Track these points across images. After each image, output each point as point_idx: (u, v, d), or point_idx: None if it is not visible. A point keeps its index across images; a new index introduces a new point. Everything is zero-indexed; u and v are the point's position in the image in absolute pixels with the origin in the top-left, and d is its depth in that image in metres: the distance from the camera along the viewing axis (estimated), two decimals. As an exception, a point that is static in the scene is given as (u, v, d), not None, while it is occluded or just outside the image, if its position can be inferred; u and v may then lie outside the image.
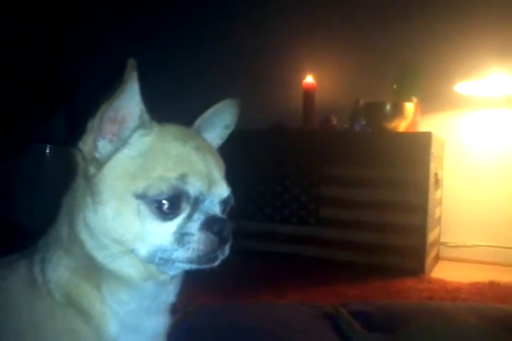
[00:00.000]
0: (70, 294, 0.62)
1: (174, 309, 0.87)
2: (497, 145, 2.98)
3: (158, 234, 0.59)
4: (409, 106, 2.71)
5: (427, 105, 2.94)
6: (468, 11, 2.89)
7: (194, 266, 0.61)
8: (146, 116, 0.63)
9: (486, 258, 2.91)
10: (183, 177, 0.59)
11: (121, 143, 0.62)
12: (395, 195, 2.57)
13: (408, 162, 2.54)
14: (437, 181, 2.73)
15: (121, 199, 0.60)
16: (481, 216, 3.00)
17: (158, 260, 0.60)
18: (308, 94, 3.13)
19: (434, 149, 2.60)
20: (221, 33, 3.56)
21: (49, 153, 3.42)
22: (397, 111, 2.69)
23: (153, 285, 0.64)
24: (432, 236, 2.69)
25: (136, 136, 0.62)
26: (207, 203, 0.61)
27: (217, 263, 0.62)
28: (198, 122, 0.71)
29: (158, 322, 0.66)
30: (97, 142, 0.61)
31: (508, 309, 1.61)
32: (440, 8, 3.01)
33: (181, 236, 0.59)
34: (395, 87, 2.93)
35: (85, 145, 0.62)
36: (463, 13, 2.90)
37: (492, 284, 2.34)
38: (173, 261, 0.60)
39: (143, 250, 0.60)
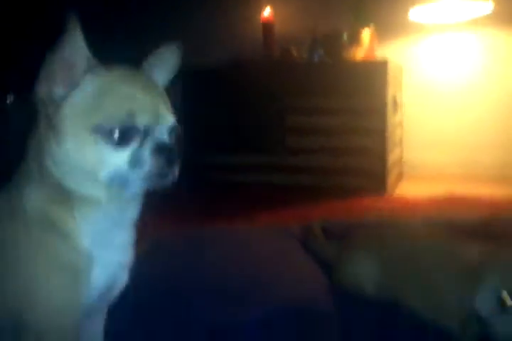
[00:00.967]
0: (47, 218, 0.76)
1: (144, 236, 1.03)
2: (452, 68, 3.13)
3: (114, 161, 0.72)
4: (365, 34, 2.79)
5: (384, 32, 3.03)
6: None
7: (148, 186, 0.75)
8: (94, 61, 0.74)
9: (446, 173, 3.12)
10: (131, 114, 0.71)
11: (74, 86, 0.73)
12: (356, 120, 2.73)
13: (366, 89, 2.69)
14: (396, 105, 2.88)
15: (80, 135, 0.71)
16: (440, 135, 3.22)
17: (117, 183, 0.74)
18: (267, 27, 3.17)
19: (391, 75, 2.73)
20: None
21: (11, 102, 3.43)
22: (354, 39, 2.78)
23: (117, 205, 0.78)
24: (392, 158, 2.89)
25: (86, 79, 0.73)
26: (156, 133, 0.74)
27: (167, 182, 0.75)
28: (144, 65, 0.82)
29: (125, 236, 0.82)
30: (51, 88, 0.72)
31: (459, 219, 1.79)
32: None
33: (135, 162, 0.72)
34: (351, 15, 2.97)
35: (42, 91, 0.73)
36: None
37: (449, 197, 2.52)
38: (130, 183, 0.74)
39: (103, 175, 0.73)
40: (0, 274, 0.76)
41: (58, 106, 0.72)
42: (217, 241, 1.54)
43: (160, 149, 0.73)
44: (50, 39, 0.71)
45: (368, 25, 2.89)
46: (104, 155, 0.71)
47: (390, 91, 2.74)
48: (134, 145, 0.72)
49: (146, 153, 0.72)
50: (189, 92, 3.06)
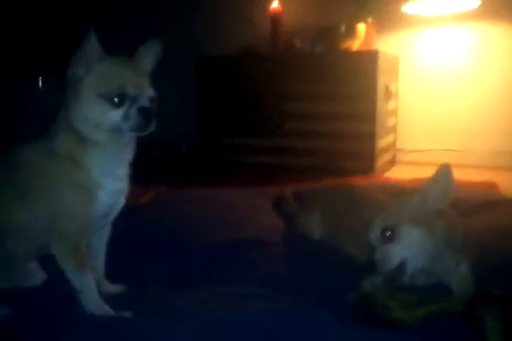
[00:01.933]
0: (70, 154, 1.17)
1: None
2: (447, 59, 3.45)
3: (113, 117, 1.13)
4: (361, 27, 3.16)
5: (383, 25, 3.39)
6: None
7: (134, 134, 1.18)
8: (102, 53, 1.16)
9: (439, 161, 3.44)
10: (123, 85, 1.14)
11: (89, 68, 1.14)
12: (348, 106, 3.12)
13: (358, 77, 3.07)
14: (389, 93, 3.24)
15: (92, 100, 1.13)
16: (435, 123, 3.55)
17: (115, 131, 1.15)
18: (274, 19, 3.56)
19: (383, 65, 3.09)
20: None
21: (42, 85, 3.89)
22: (350, 31, 3.15)
23: (116, 147, 1.19)
24: (383, 142, 3.26)
25: (96, 64, 1.14)
26: (140, 100, 1.17)
27: (147, 132, 1.18)
28: (136, 54, 1.24)
29: (123, 170, 1.26)
30: (76, 70, 1.17)
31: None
32: None
33: (126, 117, 1.16)
34: (352, 8, 3.34)
35: (70, 72, 1.17)
36: None
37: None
38: (123, 131, 1.15)
39: (106, 125, 1.14)
40: (40, 193, 1.21)
41: (79, 81, 1.15)
42: (205, 197, 2.00)
43: (142, 110, 1.15)
44: (72, 35, 1.15)
45: (366, 19, 3.26)
46: (106, 113, 1.14)
47: (382, 80, 3.10)
48: (125, 107, 1.15)
49: (133, 112, 1.15)
50: (202, 78, 3.52)
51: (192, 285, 1.34)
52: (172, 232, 1.66)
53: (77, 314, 1.18)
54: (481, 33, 3.34)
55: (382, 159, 3.29)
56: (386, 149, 3.36)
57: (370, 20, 3.28)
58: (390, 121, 3.42)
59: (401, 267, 1.20)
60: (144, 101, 1.17)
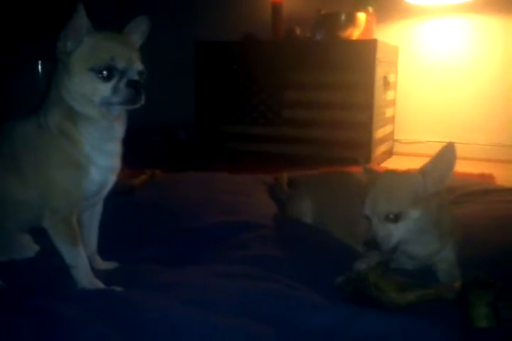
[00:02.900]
0: (61, 129, 1.18)
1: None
2: (447, 51, 3.45)
3: (103, 89, 1.14)
4: (361, 16, 3.15)
5: (383, 15, 3.38)
6: None
7: (125, 107, 1.18)
8: (92, 28, 1.17)
9: (435, 152, 3.45)
10: (113, 58, 1.14)
11: (79, 42, 1.14)
12: (346, 95, 3.12)
13: (356, 67, 3.07)
14: (387, 83, 3.23)
15: (82, 73, 1.13)
16: (433, 115, 3.56)
17: (105, 105, 1.15)
18: (276, 6, 3.55)
19: (382, 55, 3.09)
20: None
21: (41, 69, 3.88)
22: (350, 20, 3.14)
23: (107, 122, 1.19)
24: (380, 132, 3.26)
25: (86, 38, 1.14)
26: (129, 73, 1.17)
27: (137, 105, 1.18)
28: (125, 30, 1.24)
29: (114, 147, 1.26)
30: (66, 43, 1.17)
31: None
32: None
33: (115, 90, 1.16)
34: (352, -3, 3.33)
35: (61, 45, 1.17)
36: None
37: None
38: (113, 104, 1.16)
39: (96, 99, 1.14)
40: (32, 168, 1.21)
41: (69, 55, 1.15)
42: (200, 181, 2.00)
43: (131, 83, 1.16)
44: (66, 17, 1.15)
45: (366, 8, 3.25)
46: (96, 86, 1.15)
47: (381, 70, 3.10)
48: (114, 80, 1.15)
49: (123, 86, 1.15)
50: (202, 63, 3.50)
51: (182, 263, 1.35)
52: (164, 213, 1.67)
53: (69, 287, 1.18)
54: (481, 24, 3.34)
55: (380, 149, 3.29)
56: (383, 140, 3.37)
57: (370, 9, 3.27)
58: (388, 112, 3.42)
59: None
60: (133, 75, 1.17)
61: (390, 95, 3.39)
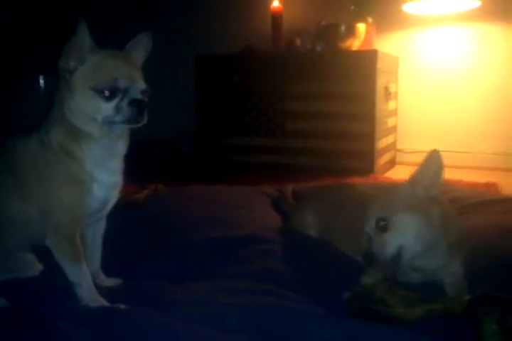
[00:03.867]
0: (63, 147, 1.17)
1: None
2: (448, 60, 3.46)
3: (105, 108, 1.13)
4: (361, 27, 3.16)
5: (383, 25, 3.39)
6: None
7: (127, 126, 1.18)
8: (94, 46, 1.16)
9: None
10: (115, 79, 1.14)
11: (81, 61, 1.14)
12: (348, 106, 3.12)
13: (358, 77, 3.07)
14: (389, 94, 3.24)
15: (84, 92, 1.13)
16: (435, 124, 3.56)
17: (107, 124, 1.15)
18: (275, 18, 3.57)
19: (383, 65, 3.09)
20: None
21: (44, 83, 3.90)
22: (350, 31, 3.15)
23: (109, 140, 1.19)
24: (383, 142, 3.25)
25: (88, 56, 1.14)
26: (132, 92, 1.16)
27: (140, 124, 1.17)
28: (126, 47, 1.24)
29: (116, 163, 1.26)
30: (68, 61, 1.16)
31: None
32: None
33: (118, 109, 1.15)
34: (352, 8, 3.34)
35: (63, 63, 1.17)
36: None
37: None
38: (115, 123, 1.15)
39: (98, 118, 1.14)
40: (34, 186, 1.20)
41: (72, 73, 1.15)
42: (203, 195, 2.00)
43: (134, 102, 1.15)
44: (69, 33, 1.15)
45: (366, 19, 3.26)
46: (98, 105, 1.14)
47: (382, 80, 3.10)
48: (117, 99, 1.14)
49: (125, 105, 1.15)
50: (202, 76, 3.52)
51: (186, 279, 1.34)
52: (168, 228, 1.66)
53: (73, 305, 1.17)
54: (481, 34, 3.35)
55: (382, 159, 3.29)
56: (386, 150, 3.36)
57: (370, 19, 3.28)
58: (390, 122, 3.42)
59: (398, 254, 1.21)
60: (136, 94, 1.17)
61: (391, 105, 3.39)
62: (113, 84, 1.13)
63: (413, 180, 1.24)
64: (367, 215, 1.27)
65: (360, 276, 1.32)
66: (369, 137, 3.11)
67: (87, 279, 1.21)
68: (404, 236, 1.20)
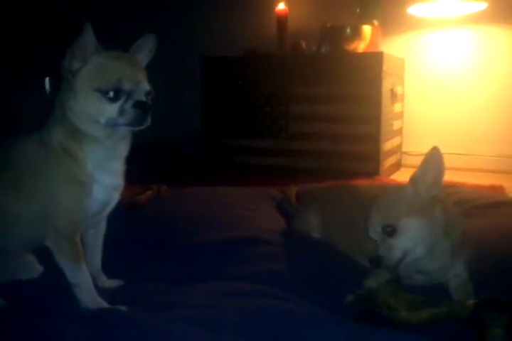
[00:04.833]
0: (65, 147, 1.16)
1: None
2: (453, 63, 3.44)
3: (109, 110, 1.11)
4: (367, 29, 3.15)
5: (388, 27, 3.37)
6: None
7: (130, 128, 1.16)
8: (99, 47, 1.15)
9: (446, 164, 3.41)
10: (119, 80, 1.12)
11: (85, 61, 1.13)
12: (353, 108, 3.10)
13: (363, 79, 3.05)
14: (394, 96, 3.22)
15: (88, 93, 1.11)
16: (441, 126, 3.53)
17: (110, 125, 1.14)
18: (281, 20, 3.56)
19: (389, 67, 3.08)
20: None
21: (49, 85, 3.90)
22: (356, 33, 3.13)
23: (111, 141, 1.18)
24: (388, 145, 3.23)
25: (93, 57, 1.13)
26: (136, 94, 1.15)
27: (143, 126, 1.16)
28: (131, 49, 1.23)
29: (118, 165, 1.24)
30: (72, 61, 1.15)
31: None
32: None
33: (121, 111, 1.14)
34: (358, 10, 3.33)
35: (66, 64, 1.15)
36: None
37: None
38: (119, 125, 1.14)
39: (102, 119, 1.12)
40: (34, 187, 1.19)
41: (75, 74, 1.14)
42: (206, 196, 1.98)
43: (138, 104, 1.14)
44: (75, 35, 1.14)
45: (371, 21, 3.24)
46: (102, 107, 1.13)
47: (387, 82, 3.08)
48: (121, 101, 1.13)
49: (129, 107, 1.13)
50: (207, 78, 3.51)
51: (187, 281, 1.32)
52: (170, 229, 1.65)
53: (73, 307, 1.16)
54: (487, 36, 3.33)
55: (388, 162, 3.26)
56: (392, 152, 3.34)
57: (375, 22, 3.27)
58: (396, 124, 3.40)
59: (404, 257, 1.20)
60: (140, 96, 1.15)
61: (397, 107, 3.37)
62: (117, 85, 1.12)
63: (415, 180, 1.22)
64: (371, 219, 1.25)
65: (364, 279, 1.30)
66: (374, 139, 3.09)
67: (87, 281, 1.20)
68: (411, 240, 1.19)
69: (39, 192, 1.19)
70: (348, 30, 3.16)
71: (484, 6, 3.02)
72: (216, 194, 2.12)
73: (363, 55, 3.16)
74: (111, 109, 1.13)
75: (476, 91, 3.41)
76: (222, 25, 3.92)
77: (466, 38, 3.39)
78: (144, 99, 1.15)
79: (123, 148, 1.23)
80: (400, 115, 3.49)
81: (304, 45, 3.43)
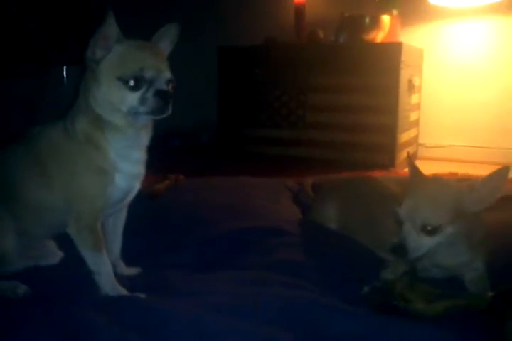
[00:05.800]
0: (88, 136, 1.18)
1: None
2: (473, 54, 3.38)
3: (130, 99, 1.13)
4: (386, 19, 3.11)
5: (408, 17, 3.33)
6: None
7: (151, 117, 1.17)
8: (121, 36, 1.15)
9: (461, 157, 3.40)
10: (141, 69, 1.13)
11: (108, 50, 1.14)
12: (370, 99, 3.08)
13: (381, 70, 3.02)
14: (412, 87, 3.19)
15: (110, 81, 1.13)
16: (457, 119, 3.49)
17: (132, 114, 1.15)
18: (298, 9, 3.53)
19: (407, 58, 3.04)
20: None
21: (66, 74, 3.92)
22: (375, 23, 3.10)
23: (133, 130, 1.19)
24: (405, 136, 3.21)
25: (115, 46, 1.14)
26: (157, 83, 1.15)
27: (164, 115, 1.16)
28: (153, 38, 1.23)
29: (139, 154, 1.26)
30: (95, 50, 1.16)
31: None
32: None
33: (143, 100, 1.12)
34: (377, 0, 3.29)
35: (90, 53, 1.17)
36: None
37: (450, 174, 2.84)
38: (140, 114, 1.15)
39: (123, 108, 1.13)
40: (58, 174, 1.21)
41: (98, 63, 1.15)
42: (224, 186, 2.00)
43: (159, 93, 1.14)
44: (94, 25, 1.14)
45: (390, 11, 3.21)
46: (124, 95, 1.14)
47: (405, 73, 3.05)
48: (142, 90, 1.14)
49: (150, 95, 1.14)
50: (224, 67, 3.51)
51: (206, 269, 1.34)
52: (189, 218, 1.67)
53: (93, 293, 1.18)
54: (507, 26, 3.26)
55: (404, 154, 3.24)
56: (408, 144, 3.32)
57: (395, 11, 3.23)
58: (413, 116, 3.37)
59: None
60: (161, 84, 1.16)
61: (414, 99, 3.34)
62: (139, 74, 1.12)
63: (473, 190, 1.18)
64: (411, 206, 1.19)
65: (381, 271, 1.31)
66: (391, 131, 3.07)
67: (107, 268, 1.22)
68: (444, 243, 1.19)
69: (63, 180, 1.21)
70: (367, 20, 3.13)
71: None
72: (233, 184, 2.13)
73: (382, 45, 3.13)
74: (132, 98, 1.14)
75: (495, 83, 3.35)
76: (240, 15, 3.90)
77: (486, 29, 3.33)
78: (165, 87, 1.16)
79: (144, 138, 1.24)
80: (417, 106, 3.45)
81: (321, 34, 3.40)
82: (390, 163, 3.07)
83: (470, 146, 3.42)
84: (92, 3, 3.88)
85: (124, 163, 1.22)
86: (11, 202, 1.27)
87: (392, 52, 2.99)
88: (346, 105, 3.15)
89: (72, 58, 3.88)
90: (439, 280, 1.28)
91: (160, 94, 1.14)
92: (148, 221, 1.60)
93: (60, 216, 1.22)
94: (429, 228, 1.16)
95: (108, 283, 1.21)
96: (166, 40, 1.24)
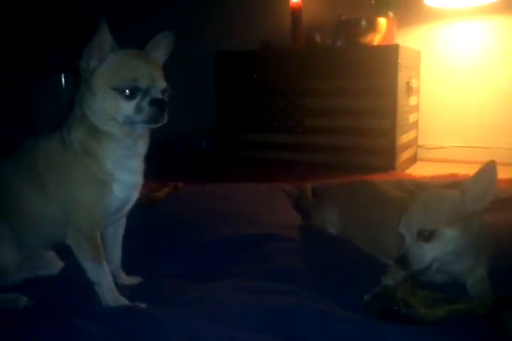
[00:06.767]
0: (85, 146, 1.18)
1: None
2: (470, 54, 3.39)
3: (126, 108, 1.13)
4: (382, 21, 3.12)
5: (404, 19, 3.34)
6: None
7: (147, 126, 1.17)
8: (115, 45, 1.16)
9: (461, 158, 3.40)
10: (135, 79, 1.14)
11: (102, 60, 1.14)
12: (369, 102, 3.08)
13: (379, 72, 3.02)
14: (410, 89, 3.19)
15: (105, 92, 1.13)
16: (457, 120, 3.49)
17: (128, 123, 1.15)
18: (295, 14, 3.54)
19: (404, 60, 3.05)
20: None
21: (64, 82, 3.93)
22: (371, 26, 3.11)
23: (130, 139, 1.19)
24: (404, 139, 3.21)
25: (109, 56, 1.14)
26: (153, 92, 1.16)
27: (160, 124, 1.17)
28: (147, 47, 1.23)
29: (137, 163, 1.26)
30: (89, 60, 1.14)
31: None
32: None
33: (138, 109, 1.13)
34: (373, 2, 3.30)
35: (84, 63, 1.17)
36: None
37: (451, 175, 2.84)
38: (136, 123, 1.16)
39: (119, 118, 1.14)
40: (55, 185, 1.21)
41: (92, 73, 1.15)
42: (223, 192, 2.00)
43: (154, 102, 1.15)
44: (90, 32, 1.15)
45: (386, 13, 3.21)
46: (119, 105, 1.14)
47: (403, 75, 3.06)
48: (138, 99, 1.14)
49: (146, 104, 1.14)
50: (221, 72, 3.51)
51: (206, 278, 1.34)
52: (188, 226, 1.67)
53: (94, 304, 1.18)
54: (504, 26, 3.27)
55: (404, 156, 3.24)
56: (407, 146, 3.32)
57: (391, 14, 3.23)
58: (412, 117, 3.37)
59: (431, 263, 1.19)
60: (157, 93, 1.16)
61: (413, 100, 3.34)
62: (134, 83, 1.13)
63: (464, 190, 1.17)
64: (409, 217, 1.20)
65: (382, 277, 1.30)
66: (390, 133, 3.07)
67: (107, 278, 1.22)
68: (444, 249, 1.17)
69: (60, 191, 1.21)
70: (363, 23, 3.13)
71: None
72: (233, 191, 2.14)
73: (379, 47, 3.14)
74: (128, 107, 1.14)
75: (493, 84, 3.35)
76: (236, 19, 3.91)
77: (482, 30, 3.33)
78: (160, 96, 1.16)
79: (141, 147, 1.25)
80: (416, 108, 3.46)
81: (318, 38, 3.41)
82: (389, 165, 3.07)
83: (470, 147, 3.42)
84: (92, 10, 3.90)
85: (122, 173, 1.22)
86: (9, 213, 1.27)
87: (389, 54, 3.00)
88: (344, 108, 3.15)
89: (70, 66, 3.89)
90: (439, 284, 1.28)
91: (155, 102, 1.15)
92: (147, 229, 1.60)
93: (59, 227, 1.22)
94: (425, 234, 1.16)
95: (109, 294, 1.21)
96: (161, 48, 1.25)
